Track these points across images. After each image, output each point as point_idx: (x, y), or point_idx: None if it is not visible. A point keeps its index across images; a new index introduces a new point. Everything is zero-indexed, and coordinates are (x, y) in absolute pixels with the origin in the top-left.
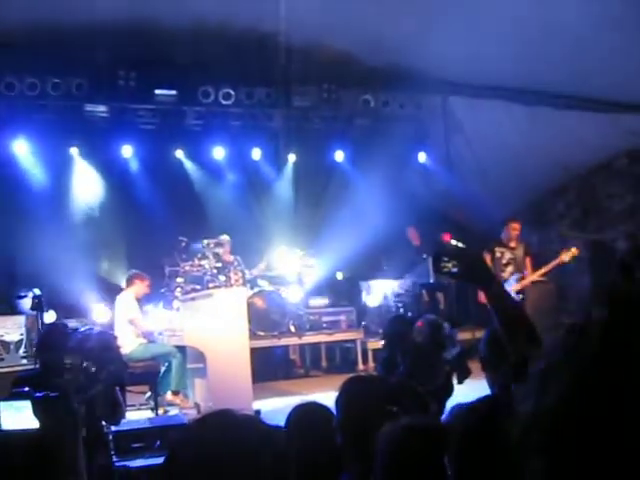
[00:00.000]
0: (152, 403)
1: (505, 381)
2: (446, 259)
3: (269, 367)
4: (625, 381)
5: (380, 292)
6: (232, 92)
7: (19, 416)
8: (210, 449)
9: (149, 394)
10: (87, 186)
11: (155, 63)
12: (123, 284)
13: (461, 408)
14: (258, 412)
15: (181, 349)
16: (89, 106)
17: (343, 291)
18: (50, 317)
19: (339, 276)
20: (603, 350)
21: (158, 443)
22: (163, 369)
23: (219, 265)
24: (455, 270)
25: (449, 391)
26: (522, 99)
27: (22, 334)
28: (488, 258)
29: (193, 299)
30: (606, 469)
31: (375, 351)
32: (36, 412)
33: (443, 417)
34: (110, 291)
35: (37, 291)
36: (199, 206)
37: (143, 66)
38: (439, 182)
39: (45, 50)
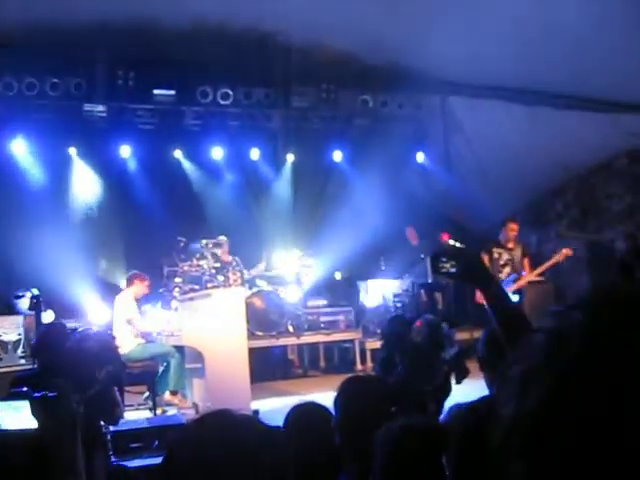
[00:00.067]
0: (150, 403)
1: None
2: (444, 259)
3: (267, 367)
4: (606, 385)
5: (378, 292)
6: (231, 92)
7: (17, 416)
8: (208, 449)
9: (147, 394)
10: (85, 186)
11: (154, 63)
12: (122, 284)
13: (460, 408)
14: (256, 412)
15: (179, 349)
16: (88, 106)
17: (341, 291)
18: (48, 317)
19: (337, 276)
20: (583, 353)
21: (156, 443)
22: (161, 369)
23: (217, 265)
24: (453, 270)
25: (447, 391)
26: (522, 99)
27: (20, 334)
28: (486, 259)
29: (191, 299)
30: (587, 473)
31: (373, 351)
32: (34, 412)
33: (441, 417)
34: (108, 291)
35: (35, 291)
36: (198, 206)
37: (142, 66)
38: (438, 182)
39: (44, 50)
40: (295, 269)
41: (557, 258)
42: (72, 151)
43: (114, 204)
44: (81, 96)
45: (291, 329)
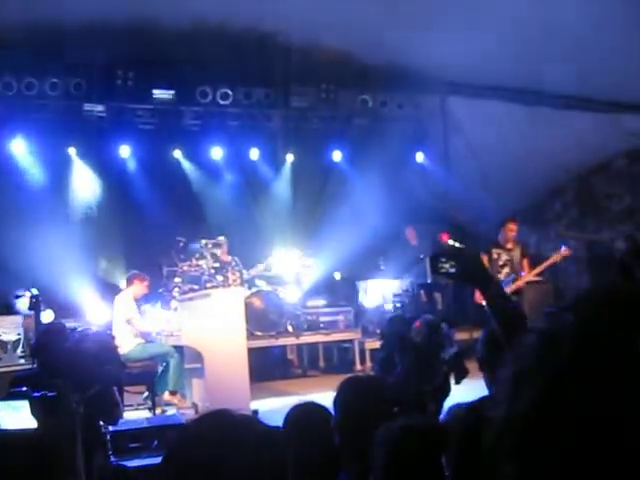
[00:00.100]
0: (150, 403)
1: None
2: (444, 260)
3: (267, 367)
4: (597, 386)
5: (378, 292)
6: (230, 92)
7: (17, 416)
8: (208, 449)
9: (146, 394)
10: (85, 186)
11: (153, 63)
12: (121, 284)
13: (460, 408)
14: (256, 412)
15: (179, 349)
16: (87, 106)
17: (341, 291)
18: (48, 317)
19: (337, 276)
20: (574, 355)
21: (156, 443)
22: (161, 369)
23: (217, 265)
24: (453, 271)
25: (447, 391)
26: (521, 99)
27: (19, 334)
28: (485, 259)
29: (191, 299)
30: (578, 474)
31: (373, 351)
32: (34, 412)
33: (441, 417)
34: (108, 291)
35: (35, 291)
36: (197, 206)
37: (141, 66)
38: (437, 182)
39: (43, 50)
40: (294, 269)
41: (555, 258)
42: (71, 151)
43: (113, 204)
44: (80, 96)
45: (290, 329)
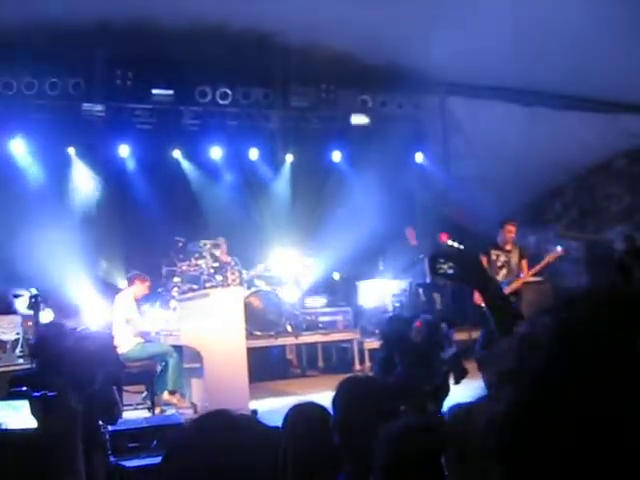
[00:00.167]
0: (149, 403)
1: None
2: (442, 260)
3: (266, 367)
4: (573, 388)
5: (377, 292)
6: (229, 92)
7: (17, 415)
8: (207, 449)
9: (145, 394)
10: (84, 185)
11: (152, 63)
12: (120, 284)
13: (460, 408)
14: (255, 412)
15: (178, 349)
16: (86, 105)
17: (340, 291)
18: (47, 316)
19: (336, 276)
20: (550, 358)
21: (155, 443)
22: (160, 369)
23: (216, 265)
24: (451, 272)
25: (446, 391)
26: (521, 99)
27: (18, 333)
28: (484, 260)
29: (190, 299)
30: (558, 473)
31: (372, 351)
32: (34, 411)
33: (440, 416)
34: (107, 291)
35: (34, 290)
36: (196, 206)
37: (140, 66)
38: (437, 182)
39: (43, 49)
40: (294, 269)
41: (549, 259)
42: (71, 150)
43: (113, 203)
44: (80, 96)
45: (289, 329)
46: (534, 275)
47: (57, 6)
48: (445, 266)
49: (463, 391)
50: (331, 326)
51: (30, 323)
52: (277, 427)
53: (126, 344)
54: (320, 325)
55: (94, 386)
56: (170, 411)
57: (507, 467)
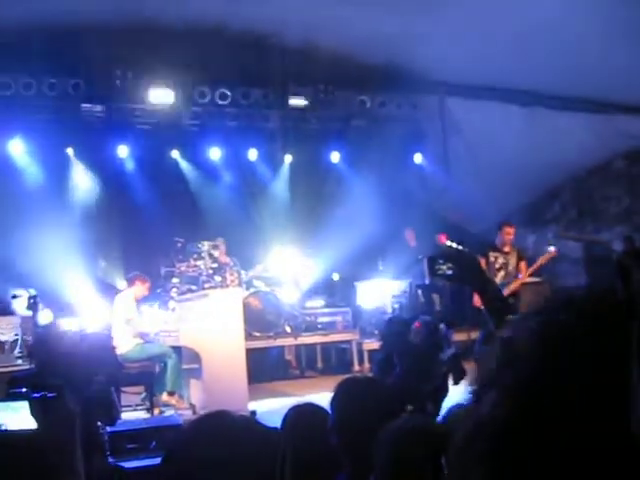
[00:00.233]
0: (147, 404)
1: None
2: (441, 261)
3: (265, 368)
4: (553, 393)
5: (376, 293)
6: (228, 92)
7: (16, 416)
8: (207, 450)
9: (144, 394)
10: (83, 186)
11: (152, 63)
12: (119, 284)
13: (460, 408)
14: (253, 413)
15: (176, 349)
16: (85, 106)
17: (339, 292)
18: (46, 317)
19: (335, 277)
20: (532, 362)
21: (154, 444)
22: (159, 370)
23: (215, 266)
24: (450, 273)
25: (445, 392)
26: (519, 100)
27: (17, 334)
28: (483, 262)
29: (189, 300)
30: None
31: (371, 352)
32: (33, 412)
33: (440, 417)
34: (106, 291)
35: (32, 291)
36: (195, 207)
37: (139, 66)
38: (436, 183)
39: (41, 49)
40: (293, 270)
41: (542, 260)
42: (69, 151)
43: (111, 204)
44: (79, 96)
45: (288, 330)
46: (530, 276)
47: (56, 6)
48: (444, 267)
49: (462, 392)
50: (330, 327)
51: (29, 324)
52: (276, 428)
53: (125, 345)
54: (319, 326)
55: (93, 387)
56: (169, 412)
57: (489, 473)
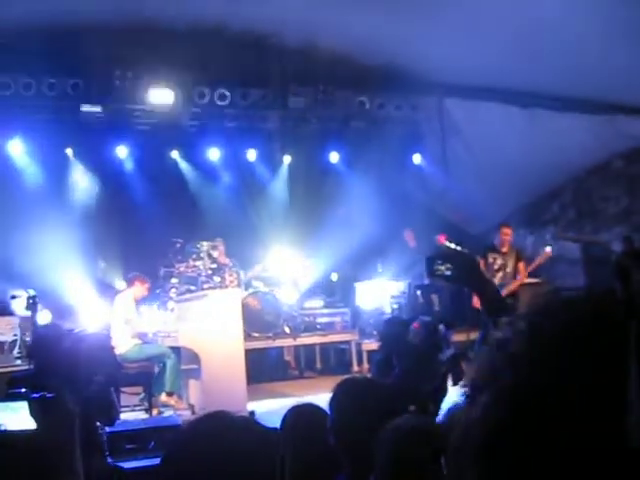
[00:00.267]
0: (146, 404)
1: None
2: (440, 262)
3: (264, 368)
4: (541, 397)
5: (375, 294)
6: (227, 93)
7: (15, 417)
8: (205, 451)
9: (143, 395)
10: (82, 186)
11: (151, 64)
12: (117, 285)
13: (459, 409)
14: (252, 413)
15: (175, 350)
16: (84, 106)
17: (338, 292)
18: (44, 318)
19: (334, 277)
20: (521, 364)
21: (152, 444)
22: (157, 370)
23: (214, 266)
24: (448, 273)
25: (444, 392)
26: (518, 101)
27: (16, 334)
28: (482, 263)
29: (188, 300)
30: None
31: (370, 352)
32: (33, 413)
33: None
34: (105, 292)
35: (32, 291)
36: (194, 207)
37: (139, 67)
38: (435, 184)
39: (40, 50)
40: (292, 270)
41: (539, 260)
42: (69, 151)
43: (111, 204)
44: (78, 96)
45: (287, 330)
46: (527, 277)
47: (55, 6)
48: (442, 268)
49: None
50: (329, 327)
51: (28, 324)
52: (275, 428)
53: (124, 345)
54: (318, 326)
55: (92, 387)
56: (168, 412)
57: (482, 475)
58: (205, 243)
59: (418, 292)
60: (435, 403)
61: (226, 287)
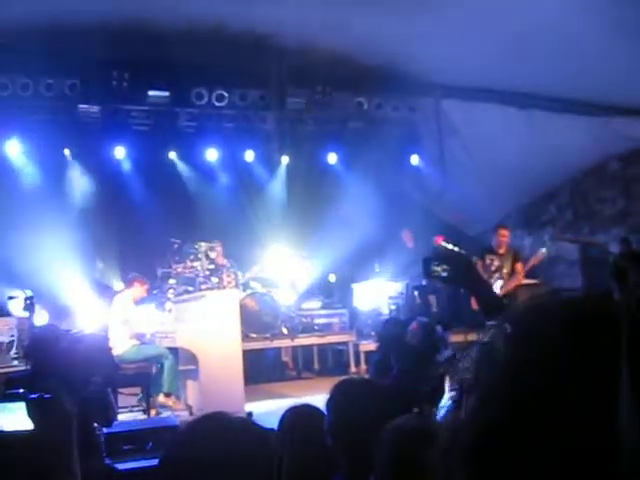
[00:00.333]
0: (144, 405)
1: None
2: (436, 263)
3: (261, 369)
4: (525, 398)
5: (373, 294)
6: (225, 94)
7: (13, 417)
8: (203, 452)
9: (141, 396)
10: (80, 187)
11: (149, 64)
12: (115, 285)
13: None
14: (250, 414)
15: (173, 351)
16: (82, 107)
17: (336, 293)
18: (42, 318)
19: (332, 278)
20: (506, 366)
21: (150, 445)
22: (155, 371)
23: (212, 267)
24: (445, 274)
25: (442, 393)
26: (516, 102)
27: (13, 335)
28: (480, 265)
29: (185, 301)
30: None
31: (367, 353)
32: (30, 413)
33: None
34: (103, 292)
35: (29, 292)
36: (192, 208)
37: (137, 67)
38: (433, 184)
39: (38, 50)
40: (289, 271)
41: (533, 261)
42: (66, 152)
43: (108, 205)
44: (76, 97)
45: (285, 331)
46: (523, 278)
47: (53, 6)
48: (439, 269)
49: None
50: (327, 328)
51: (25, 325)
52: (273, 429)
53: (122, 345)
54: (316, 327)
55: (89, 388)
56: (165, 413)
57: (472, 471)
58: (203, 244)
59: (416, 293)
60: (433, 404)
61: (224, 288)
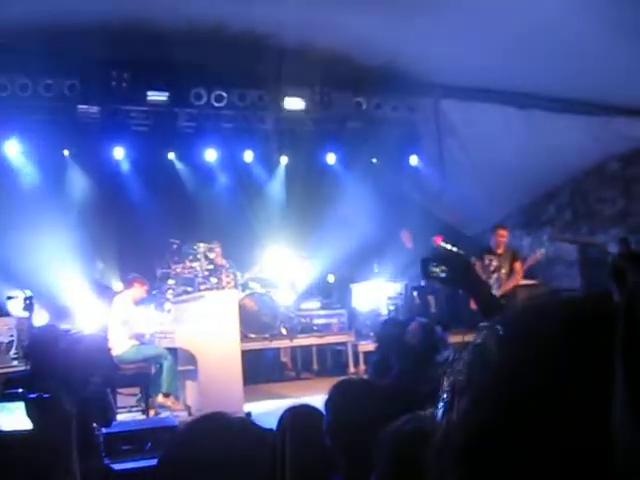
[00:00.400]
0: (143, 405)
1: None
2: (435, 264)
3: (260, 369)
4: (515, 401)
5: (372, 295)
6: (224, 94)
7: (12, 417)
8: (202, 452)
9: (140, 396)
10: (79, 187)
11: (148, 65)
12: (114, 286)
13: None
14: (249, 415)
15: (172, 351)
16: (81, 107)
17: (335, 294)
18: (41, 319)
19: (331, 279)
20: (497, 368)
21: (149, 445)
22: (154, 371)
23: (211, 267)
24: (444, 275)
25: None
26: (515, 102)
27: (12, 335)
28: (479, 265)
29: (185, 301)
30: None
31: (366, 354)
32: (29, 413)
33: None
34: (102, 293)
35: (28, 292)
36: (191, 208)
37: (136, 68)
38: (432, 185)
39: (38, 50)
40: (288, 272)
41: (530, 262)
42: (65, 152)
43: (107, 205)
44: (75, 97)
45: (284, 332)
46: (522, 279)
47: (53, 6)
48: (437, 270)
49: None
50: (326, 329)
51: (24, 325)
52: (272, 429)
53: (121, 346)
54: (315, 328)
55: (88, 388)
56: (164, 413)
57: (464, 472)
58: (202, 244)
59: (415, 293)
60: (432, 405)
61: (223, 288)
